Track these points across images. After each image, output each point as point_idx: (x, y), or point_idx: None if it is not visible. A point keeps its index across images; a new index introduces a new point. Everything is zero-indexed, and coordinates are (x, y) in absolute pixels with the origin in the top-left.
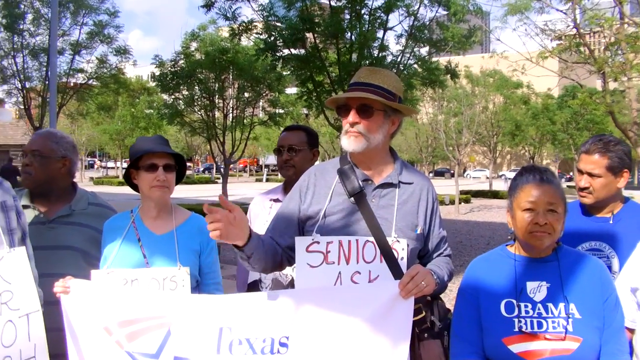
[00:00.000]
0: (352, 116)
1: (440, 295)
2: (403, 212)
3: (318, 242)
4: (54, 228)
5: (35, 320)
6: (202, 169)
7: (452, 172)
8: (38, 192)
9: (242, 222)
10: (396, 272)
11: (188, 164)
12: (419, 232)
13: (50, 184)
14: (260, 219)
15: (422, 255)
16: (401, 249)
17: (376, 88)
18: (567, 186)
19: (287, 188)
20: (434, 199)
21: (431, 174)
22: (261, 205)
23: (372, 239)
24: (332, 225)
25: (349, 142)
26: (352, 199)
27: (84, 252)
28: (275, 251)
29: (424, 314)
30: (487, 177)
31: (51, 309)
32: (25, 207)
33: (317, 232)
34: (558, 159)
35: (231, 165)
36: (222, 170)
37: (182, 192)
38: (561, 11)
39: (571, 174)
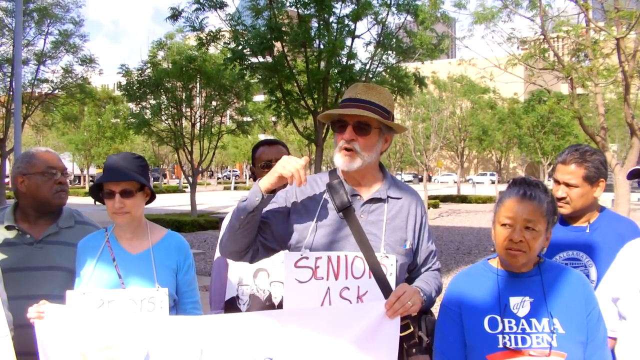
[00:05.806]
0: (349, 133)
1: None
2: (392, 227)
3: (307, 258)
4: (41, 248)
5: (4, 346)
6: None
7: (420, 177)
8: (46, 211)
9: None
10: (385, 288)
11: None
12: (408, 247)
13: None
14: None
15: (410, 269)
16: (390, 264)
17: (373, 105)
18: None
19: None
20: (422, 213)
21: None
22: None
23: (361, 254)
24: (320, 240)
25: (344, 162)
26: (341, 214)
27: (73, 272)
28: (255, 237)
29: (411, 329)
30: (455, 182)
31: (27, 331)
32: (9, 227)
33: (305, 248)
34: (525, 163)
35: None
36: (189, 179)
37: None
38: (529, 18)
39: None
